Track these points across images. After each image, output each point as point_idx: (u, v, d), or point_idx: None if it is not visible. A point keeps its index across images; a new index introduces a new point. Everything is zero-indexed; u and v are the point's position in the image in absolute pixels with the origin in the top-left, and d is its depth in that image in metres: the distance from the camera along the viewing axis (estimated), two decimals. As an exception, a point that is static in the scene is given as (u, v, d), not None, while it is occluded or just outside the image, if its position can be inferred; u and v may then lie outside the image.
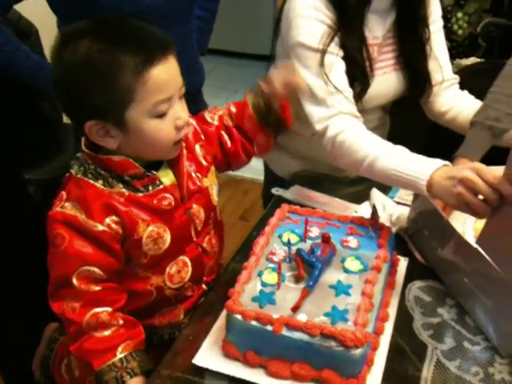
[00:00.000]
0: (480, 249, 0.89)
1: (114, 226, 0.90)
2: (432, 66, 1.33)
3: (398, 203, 1.25)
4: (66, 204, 0.90)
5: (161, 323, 1.03)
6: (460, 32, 2.23)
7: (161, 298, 1.00)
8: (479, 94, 1.68)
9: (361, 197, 1.26)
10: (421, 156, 1.04)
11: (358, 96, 1.23)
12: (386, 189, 1.28)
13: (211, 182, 1.06)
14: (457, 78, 1.39)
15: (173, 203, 0.96)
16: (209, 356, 0.88)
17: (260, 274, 0.91)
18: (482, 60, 2.09)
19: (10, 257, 1.28)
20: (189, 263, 1.01)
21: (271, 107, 1.05)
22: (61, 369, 1.05)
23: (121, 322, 0.91)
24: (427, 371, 0.87)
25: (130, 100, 0.85)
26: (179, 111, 0.91)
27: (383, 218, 1.15)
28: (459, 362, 0.89)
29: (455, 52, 2.23)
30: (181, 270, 1.00)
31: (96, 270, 0.89)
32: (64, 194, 0.92)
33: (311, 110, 1.18)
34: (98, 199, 0.90)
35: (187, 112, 0.93)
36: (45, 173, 1.81)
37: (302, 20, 1.17)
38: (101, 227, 0.89)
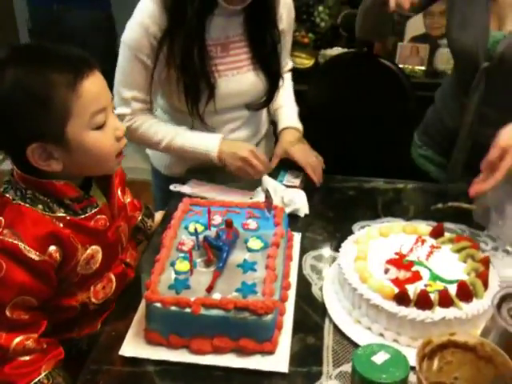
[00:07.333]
0: None
1: (54, 255, 0.90)
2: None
3: (287, 186, 1.38)
4: (5, 231, 0.88)
5: (79, 335, 1.05)
6: (322, 24, 2.42)
7: (84, 313, 1.02)
8: (345, 82, 1.86)
9: (253, 184, 1.37)
10: (203, 133, 1.38)
11: (209, 97, 1.33)
12: (274, 174, 1.41)
13: (126, 200, 1.12)
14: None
15: (107, 223, 0.99)
16: (134, 346, 0.93)
17: (172, 264, 0.98)
18: (346, 50, 2.30)
19: None
20: (113, 279, 1.05)
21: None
22: None
23: (45, 346, 0.93)
24: (328, 325, 1.00)
25: (68, 115, 0.86)
26: (116, 122, 0.94)
27: (276, 201, 1.27)
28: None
29: (320, 43, 2.42)
30: (105, 286, 1.03)
31: (31, 298, 0.90)
32: (2, 220, 0.89)
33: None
34: (40, 227, 0.89)
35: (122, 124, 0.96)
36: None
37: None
38: (41, 256, 0.88)
